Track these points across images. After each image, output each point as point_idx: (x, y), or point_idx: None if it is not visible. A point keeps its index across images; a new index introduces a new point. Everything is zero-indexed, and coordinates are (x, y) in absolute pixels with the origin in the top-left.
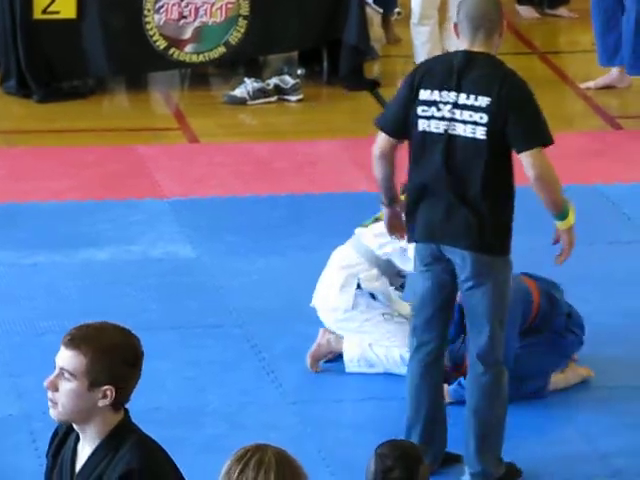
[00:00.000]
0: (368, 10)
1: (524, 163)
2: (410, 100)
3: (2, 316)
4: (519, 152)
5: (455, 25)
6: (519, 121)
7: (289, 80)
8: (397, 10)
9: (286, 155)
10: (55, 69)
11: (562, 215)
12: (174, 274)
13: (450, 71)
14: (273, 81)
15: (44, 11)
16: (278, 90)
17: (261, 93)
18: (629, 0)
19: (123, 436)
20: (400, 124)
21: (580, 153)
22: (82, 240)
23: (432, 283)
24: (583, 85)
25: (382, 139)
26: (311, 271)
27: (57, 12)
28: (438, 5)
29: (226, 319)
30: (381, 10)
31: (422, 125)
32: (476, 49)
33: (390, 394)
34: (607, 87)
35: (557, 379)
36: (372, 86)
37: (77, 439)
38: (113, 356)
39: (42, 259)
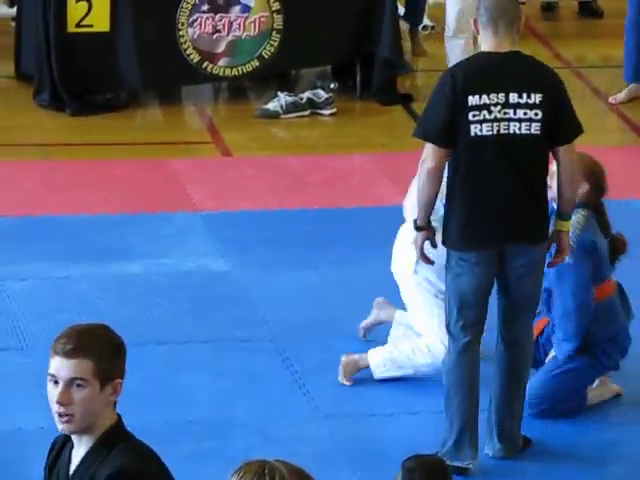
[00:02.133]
0: (401, 24)
1: (562, 155)
2: (457, 107)
3: (34, 328)
4: (562, 144)
5: (475, 21)
6: (565, 115)
7: (322, 94)
8: (431, 24)
9: (319, 169)
10: (88, 82)
11: (570, 215)
12: (206, 287)
13: (492, 73)
14: (306, 95)
15: (78, 24)
16: (311, 104)
17: (294, 107)
18: None
19: (116, 439)
20: (449, 133)
21: (612, 167)
22: (114, 253)
23: (483, 279)
24: (612, 99)
25: (435, 151)
26: (343, 285)
27: (91, 25)
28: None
29: (258, 332)
30: (408, 24)
31: (474, 130)
32: (505, 47)
33: (422, 407)
34: (633, 99)
35: (592, 395)
36: (405, 100)
37: (72, 447)
38: (112, 350)
39: (74, 272)
